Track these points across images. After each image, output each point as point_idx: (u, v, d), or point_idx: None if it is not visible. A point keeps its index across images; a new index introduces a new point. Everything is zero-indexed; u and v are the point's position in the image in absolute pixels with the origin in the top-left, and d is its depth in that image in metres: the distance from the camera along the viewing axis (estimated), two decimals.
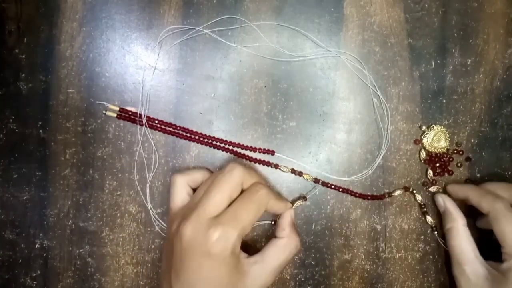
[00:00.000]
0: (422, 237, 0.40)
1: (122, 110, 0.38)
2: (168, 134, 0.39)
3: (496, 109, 0.40)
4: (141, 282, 0.39)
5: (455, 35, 0.40)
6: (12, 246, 0.39)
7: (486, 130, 0.40)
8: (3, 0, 0.38)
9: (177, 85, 0.39)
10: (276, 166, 0.39)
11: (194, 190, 0.35)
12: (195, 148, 0.39)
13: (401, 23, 0.40)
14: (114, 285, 0.39)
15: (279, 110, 0.39)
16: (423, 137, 0.39)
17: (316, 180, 0.39)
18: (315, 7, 0.39)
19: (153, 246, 0.39)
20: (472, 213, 0.38)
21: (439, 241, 0.39)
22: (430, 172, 0.39)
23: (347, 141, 0.39)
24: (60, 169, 0.39)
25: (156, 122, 0.38)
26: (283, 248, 0.33)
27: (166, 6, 0.39)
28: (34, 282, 0.39)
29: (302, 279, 0.39)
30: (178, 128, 0.39)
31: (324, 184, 0.39)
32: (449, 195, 0.39)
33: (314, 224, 0.39)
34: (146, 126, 0.38)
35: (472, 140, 0.40)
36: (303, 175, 0.39)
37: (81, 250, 0.39)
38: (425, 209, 0.39)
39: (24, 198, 0.39)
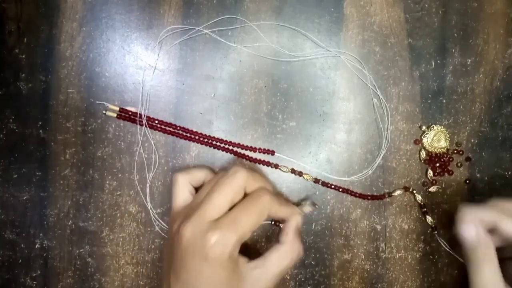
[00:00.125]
0: (422, 237, 0.40)
1: (122, 110, 0.38)
2: (168, 134, 0.39)
3: (496, 109, 0.40)
4: (141, 282, 0.39)
5: (455, 35, 0.40)
6: (12, 246, 0.39)
7: (486, 130, 0.40)
8: (3, 0, 0.38)
9: (177, 85, 0.39)
10: (276, 166, 0.39)
11: (197, 189, 0.35)
12: (195, 148, 0.39)
13: (401, 23, 0.40)
14: (114, 285, 0.39)
15: (279, 110, 0.39)
16: (423, 137, 0.39)
17: (316, 180, 0.39)
18: (315, 7, 0.39)
19: (153, 246, 0.39)
20: None
21: (439, 241, 0.39)
22: (430, 172, 0.39)
23: (347, 141, 0.39)
24: (60, 169, 0.39)
25: (156, 122, 0.38)
26: (284, 255, 0.32)
27: (166, 6, 0.39)
28: (34, 282, 0.39)
29: (302, 279, 0.39)
30: (178, 128, 0.39)
31: (324, 184, 0.39)
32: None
33: (314, 224, 0.39)
34: (146, 126, 0.38)
35: (472, 140, 0.40)
36: (303, 175, 0.39)
37: (81, 250, 0.39)
38: (425, 209, 0.39)
39: (24, 198, 0.39)
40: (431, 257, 0.40)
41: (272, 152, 0.39)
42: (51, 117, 0.38)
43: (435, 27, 0.40)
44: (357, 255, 0.39)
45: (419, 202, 0.39)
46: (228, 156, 0.39)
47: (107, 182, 0.39)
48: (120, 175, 0.39)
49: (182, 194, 0.34)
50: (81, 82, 0.38)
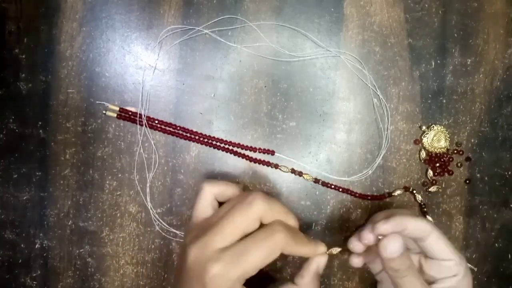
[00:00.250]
0: None
1: (122, 110, 0.38)
2: (168, 134, 0.39)
3: (496, 109, 0.40)
4: (141, 282, 0.39)
5: (455, 35, 0.40)
6: (12, 246, 0.39)
7: (486, 130, 0.40)
8: (3, 0, 0.38)
9: (177, 85, 0.39)
10: (276, 166, 0.39)
11: (220, 203, 0.33)
12: (195, 148, 0.39)
13: (401, 23, 0.40)
14: (114, 285, 0.39)
15: (279, 110, 0.39)
16: (423, 137, 0.39)
17: (316, 180, 0.39)
18: (315, 7, 0.39)
19: (153, 246, 0.39)
20: None
21: None
22: (430, 172, 0.39)
23: (347, 141, 0.39)
24: (60, 169, 0.39)
25: (156, 122, 0.38)
26: None
27: (166, 6, 0.39)
28: (34, 282, 0.39)
29: None
30: (178, 128, 0.39)
31: (324, 184, 0.39)
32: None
33: (314, 224, 0.39)
34: (146, 126, 0.38)
35: (472, 140, 0.40)
36: (303, 175, 0.39)
37: (81, 250, 0.39)
38: (425, 209, 0.39)
39: (24, 198, 0.39)
40: None
41: (272, 152, 0.39)
42: (51, 117, 0.38)
43: (435, 27, 0.40)
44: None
45: (419, 202, 0.39)
46: (228, 156, 0.39)
47: (107, 182, 0.39)
48: (120, 175, 0.39)
49: (204, 206, 0.32)
50: (81, 82, 0.38)
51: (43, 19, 0.38)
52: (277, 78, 0.39)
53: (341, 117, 0.39)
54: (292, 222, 0.31)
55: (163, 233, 0.39)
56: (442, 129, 0.39)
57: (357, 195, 0.39)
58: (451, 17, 0.40)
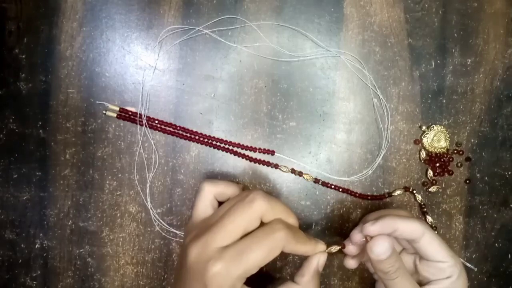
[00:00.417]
0: None
1: (122, 110, 0.38)
2: (168, 134, 0.39)
3: (496, 109, 0.40)
4: (141, 282, 0.39)
5: (455, 35, 0.40)
6: (12, 246, 0.39)
7: (486, 130, 0.40)
8: (3, 0, 0.38)
9: (177, 85, 0.39)
10: (276, 166, 0.39)
11: (220, 203, 0.33)
12: (195, 148, 0.39)
13: (401, 23, 0.40)
14: (114, 285, 0.39)
15: (279, 110, 0.39)
16: (423, 137, 0.39)
17: (316, 180, 0.39)
18: (315, 7, 0.39)
19: (153, 246, 0.39)
20: None
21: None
22: (430, 172, 0.39)
23: (347, 141, 0.39)
24: (60, 169, 0.39)
25: (156, 122, 0.38)
26: None
27: (166, 6, 0.39)
28: (34, 282, 0.39)
29: None
30: (178, 128, 0.39)
31: (324, 184, 0.39)
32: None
33: (314, 224, 0.39)
34: (146, 126, 0.38)
35: (472, 140, 0.40)
36: (303, 175, 0.39)
37: (81, 250, 0.39)
38: (425, 209, 0.39)
39: (24, 198, 0.39)
40: None
41: (272, 152, 0.39)
42: (51, 117, 0.38)
43: (435, 27, 0.40)
44: None
45: (419, 202, 0.39)
46: (228, 156, 0.39)
47: (107, 182, 0.39)
48: (120, 175, 0.39)
49: (204, 205, 0.32)
50: (81, 82, 0.38)
51: (43, 19, 0.38)
52: (277, 78, 0.39)
53: (341, 117, 0.39)
54: (292, 220, 0.31)
55: (163, 233, 0.39)
56: (442, 129, 0.39)
57: (357, 195, 0.39)
58: (451, 17, 0.40)
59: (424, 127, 0.39)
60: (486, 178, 0.40)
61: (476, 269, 0.40)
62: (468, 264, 0.40)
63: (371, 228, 0.30)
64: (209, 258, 0.27)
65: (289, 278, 0.36)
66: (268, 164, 0.39)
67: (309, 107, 0.39)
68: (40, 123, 0.38)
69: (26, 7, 0.38)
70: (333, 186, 0.39)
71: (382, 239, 0.30)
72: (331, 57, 0.39)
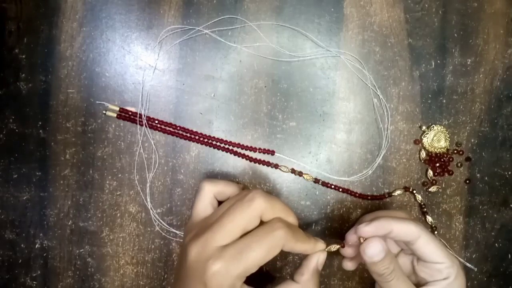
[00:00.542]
0: None
1: (122, 110, 0.38)
2: (168, 134, 0.39)
3: (496, 109, 0.40)
4: (141, 282, 0.39)
5: (455, 35, 0.40)
6: (12, 246, 0.39)
7: (486, 130, 0.40)
8: (3, 0, 0.38)
9: (177, 85, 0.39)
10: (276, 166, 0.39)
11: (220, 202, 0.33)
12: (195, 148, 0.39)
13: (401, 23, 0.40)
14: (114, 285, 0.39)
15: (279, 110, 0.39)
16: (423, 137, 0.39)
17: (316, 180, 0.39)
18: (315, 7, 0.39)
19: (153, 246, 0.39)
20: None
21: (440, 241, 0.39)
22: (430, 172, 0.39)
23: (347, 141, 0.39)
24: (60, 169, 0.39)
25: (156, 122, 0.38)
26: None
27: (166, 6, 0.39)
28: (34, 282, 0.39)
29: None
30: (178, 128, 0.39)
31: (324, 184, 0.39)
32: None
33: (314, 224, 0.39)
34: (146, 126, 0.38)
35: (472, 140, 0.40)
36: (303, 175, 0.39)
37: (81, 250, 0.39)
38: (425, 209, 0.39)
39: (24, 198, 0.39)
40: None
41: (272, 152, 0.39)
42: (51, 117, 0.38)
43: (435, 27, 0.40)
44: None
45: (419, 202, 0.39)
46: (228, 156, 0.39)
47: (107, 182, 0.39)
48: (120, 175, 0.39)
49: (204, 204, 0.32)
50: (81, 82, 0.38)
51: (43, 19, 0.38)
52: (277, 78, 0.39)
53: (341, 117, 0.39)
54: (292, 219, 0.31)
55: (163, 233, 0.39)
56: (442, 129, 0.39)
57: (357, 195, 0.39)
58: (451, 17, 0.40)
59: (424, 127, 0.39)
60: (486, 178, 0.40)
61: (476, 269, 0.40)
62: (468, 264, 0.40)
63: (365, 229, 0.30)
64: (208, 257, 0.27)
65: (289, 277, 0.36)
66: (268, 164, 0.39)
67: (309, 107, 0.39)
68: (40, 123, 0.38)
69: (26, 7, 0.38)
70: (333, 186, 0.39)
71: (374, 241, 0.30)
72: (331, 57, 0.39)
